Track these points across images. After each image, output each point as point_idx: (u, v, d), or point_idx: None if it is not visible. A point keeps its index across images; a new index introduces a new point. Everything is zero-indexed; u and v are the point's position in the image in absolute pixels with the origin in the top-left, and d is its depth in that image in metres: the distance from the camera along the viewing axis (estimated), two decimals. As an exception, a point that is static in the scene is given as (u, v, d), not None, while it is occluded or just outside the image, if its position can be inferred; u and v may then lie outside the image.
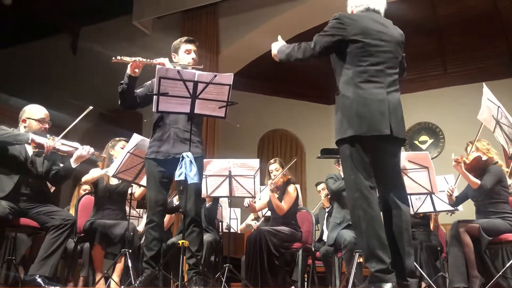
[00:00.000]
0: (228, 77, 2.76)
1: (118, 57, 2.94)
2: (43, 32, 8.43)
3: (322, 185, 5.51)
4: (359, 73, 2.36)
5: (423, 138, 8.52)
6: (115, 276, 3.65)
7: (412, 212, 4.28)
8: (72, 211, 4.32)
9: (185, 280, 3.06)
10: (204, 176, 3.75)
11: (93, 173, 3.93)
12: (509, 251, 4.21)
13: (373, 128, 2.29)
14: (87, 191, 4.51)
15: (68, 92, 7.73)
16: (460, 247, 3.46)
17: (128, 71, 3.00)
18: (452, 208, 4.20)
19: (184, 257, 2.85)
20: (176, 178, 2.72)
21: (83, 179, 3.99)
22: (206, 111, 2.85)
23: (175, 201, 4.44)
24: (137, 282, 3.00)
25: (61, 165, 3.46)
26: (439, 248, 4.51)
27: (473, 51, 8.07)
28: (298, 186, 4.68)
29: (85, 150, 3.38)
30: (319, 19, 6.26)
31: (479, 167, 3.73)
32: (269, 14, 6.84)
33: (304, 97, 9.19)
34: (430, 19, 7.97)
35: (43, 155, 3.28)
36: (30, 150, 3.31)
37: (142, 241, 3.76)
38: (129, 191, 3.98)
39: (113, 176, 3.61)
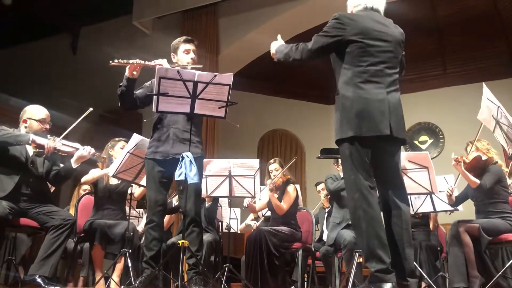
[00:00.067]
0: (228, 77, 2.76)
1: (116, 61, 2.94)
2: (43, 32, 8.44)
3: (322, 185, 5.51)
4: (359, 73, 2.36)
5: (423, 138, 8.52)
6: (115, 276, 3.65)
7: (412, 212, 4.28)
8: (72, 211, 4.32)
9: (185, 280, 3.07)
10: (204, 176, 3.75)
11: (93, 174, 3.93)
12: (509, 251, 4.21)
13: (373, 128, 2.29)
14: (87, 191, 4.51)
15: (68, 92, 7.74)
16: (460, 247, 3.46)
17: (127, 73, 3.00)
18: (452, 208, 4.20)
19: (184, 257, 2.85)
20: (176, 178, 2.72)
21: (83, 179, 3.99)
22: (206, 111, 2.85)
23: (174, 201, 4.44)
24: (137, 282, 3.00)
25: (61, 165, 3.47)
26: (439, 248, 4.51)
27: (473, 51, 8.07)
28: (298, 186, 4.68)
29: (86, 151, 3.38)
30: (319, 19, 6.26)
31: (478, 167, 3.73)
32: (269, 14, 6.84)
33: (304, 97, 9.20)
34: (430, 19, 7.97)
35: (44, 155, 3.28)
36: (30, 150, 3.31)
37: (142, 241, 3.76)
38: (129, 191, 3.98)
39: (113, 176, 3.61)
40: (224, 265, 3.89)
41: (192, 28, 7.06)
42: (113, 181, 3.97)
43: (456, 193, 4.06)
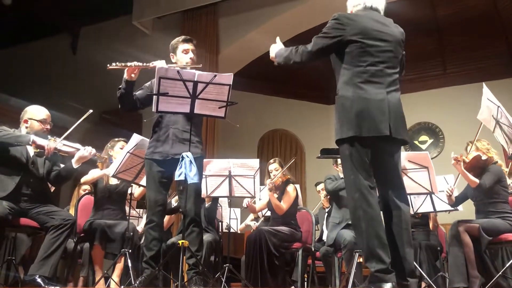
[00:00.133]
0: (228, 77, 2.76)
1: (114, 64, 2.93)
2: (43, 32, 8.44)
3: (321, 185, 5.50)
4: (359, 73, 2.35)
5: (423, 138, 8.52)
6: (115, 276, 3.65)
7: (412, 212, 4.28)
8: (72, 211, 4.32)
9: (185, 280, 3.07)
10: (204, 176, 3.75)
11: (93, 174, 3.93)
12: (509, 251, 4.21)
13: (372, 129, 2.28)
14: (87, 191, 4.51)
15: (68, 92, 7.75)
16: (460, 247, 3.46)
17: (125, 76, 3.00)
18: (452, 208, 4.20)
19: (184, 257, 2.85)
20: (176, 178, 2.72)
21: (82, 179, 4.00)
22: (206, 111, 2.85)
23: (174, 202, 4.44)
24: (137, 282, 3.00)
25: (62, 165, 3.47)
26: (438, 248, 4.51)
27: (473, 51, 8.07)
28: (298, 186, 4.68)
29: (87, 151, 3.39)
30: (319, 19, 6.27)
31: (478, 167, 3.73)
32: (269, 14, 6.84)
33: (304, 97, 9.20)
34: (430, 19, 7.97)
35: (44, 156, 3.28)
36: (31, 151, 3.31)
37: (142, 241, 3.77)
38: (129, 191, 3.98)
39: (113, 176, 3.61)
40: (224, 265, 3.88)
41: (192, 28, 7.06)
42: (113, 181, 3.97)
43: (456, 193, 4.06)
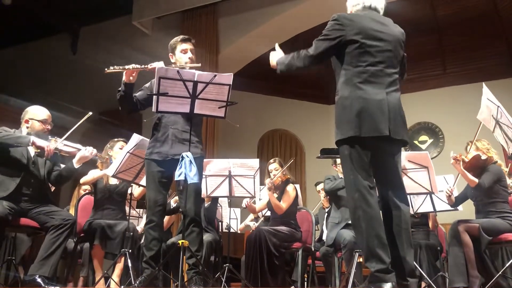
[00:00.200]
0: (227, 77, 2.76)
1: (112, 68, 2.92)
2: (42, 32, 8.44)
3: (321, 185, 5.50)
4: (358, 73, 2.35)
5: (423, 138, 8.52)
6: (115, 276, 3.65)
7: (411, 212, 4.28)
8: (72, 211, 4.32)
9: (185, 280, 3.07)
10: (204, 176, 3.75)
11: (93, 174, 3.93)
12: (509, 251, 4.21)
13: (372, 129, 2.28)
14: (87, 191, 4.51)
15: (68, 92, 7.75)
16: (460, 247, 3.46)
17: (124, 78, 2.99)
18: (452, 209, 4.20)
19: (184, 257, 2.85)
20: (176, 178, 2.72)
21: (82, 180, 3.99)
22: (206, 111, 2.85)
23: (173, 203, 4.45)
24: (137, 282, 3.00)
25: (62, 166, 3.47)
26: (438, 247, 4.51)
27: (473, 51, 8.08)
28: (297, 186, 4.68)
29: (88, 151, 3.39)
30: (319, 19, 6.27)
31: (478, 166, 3.73)
32: (269, 14, 6.84)
33: (304, 97, 9.20)
34: (430, 19, 7.98)
35: (44, 157, 3.29)
36: (32, 151, 3.31)
37: (142, 241, 3.77)
38: (129, 191, 3.98)
39: (113, 176, 3.61)
40: (224, 265, 3.89)
41: (192, 28, 7.06)
42: (113, 181, 3.97)
43: (455, 193, 4.06)
